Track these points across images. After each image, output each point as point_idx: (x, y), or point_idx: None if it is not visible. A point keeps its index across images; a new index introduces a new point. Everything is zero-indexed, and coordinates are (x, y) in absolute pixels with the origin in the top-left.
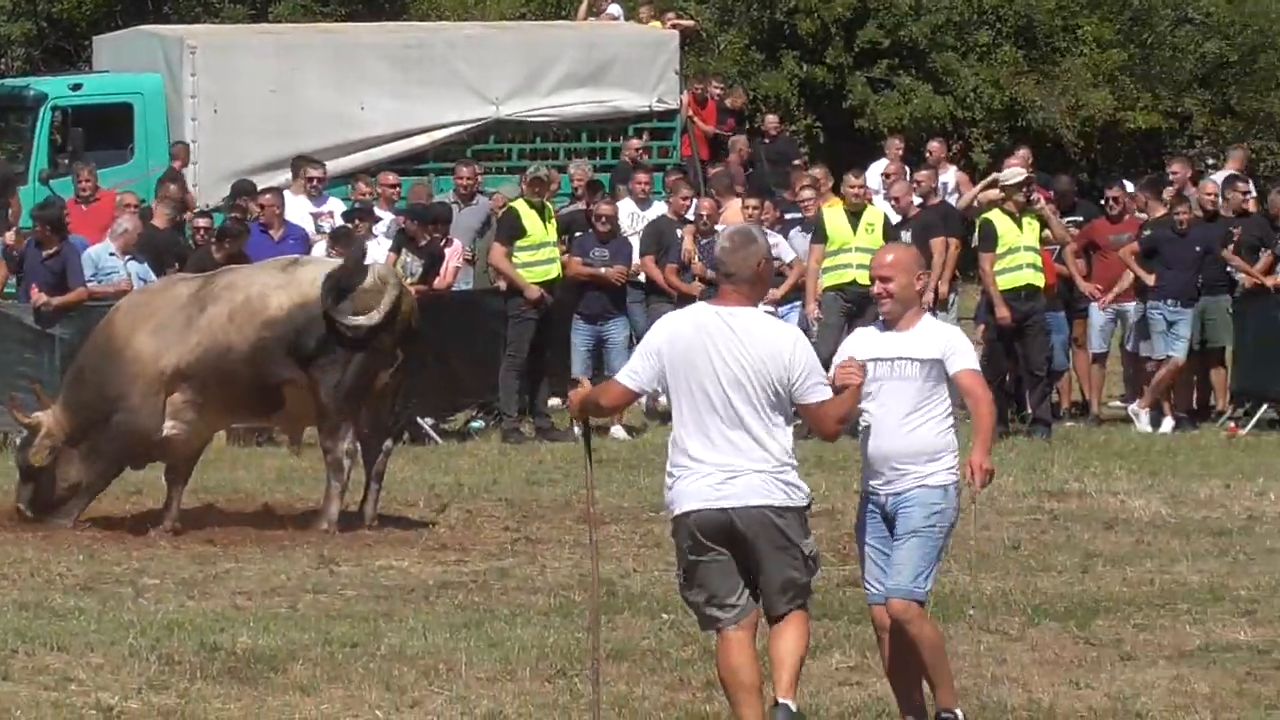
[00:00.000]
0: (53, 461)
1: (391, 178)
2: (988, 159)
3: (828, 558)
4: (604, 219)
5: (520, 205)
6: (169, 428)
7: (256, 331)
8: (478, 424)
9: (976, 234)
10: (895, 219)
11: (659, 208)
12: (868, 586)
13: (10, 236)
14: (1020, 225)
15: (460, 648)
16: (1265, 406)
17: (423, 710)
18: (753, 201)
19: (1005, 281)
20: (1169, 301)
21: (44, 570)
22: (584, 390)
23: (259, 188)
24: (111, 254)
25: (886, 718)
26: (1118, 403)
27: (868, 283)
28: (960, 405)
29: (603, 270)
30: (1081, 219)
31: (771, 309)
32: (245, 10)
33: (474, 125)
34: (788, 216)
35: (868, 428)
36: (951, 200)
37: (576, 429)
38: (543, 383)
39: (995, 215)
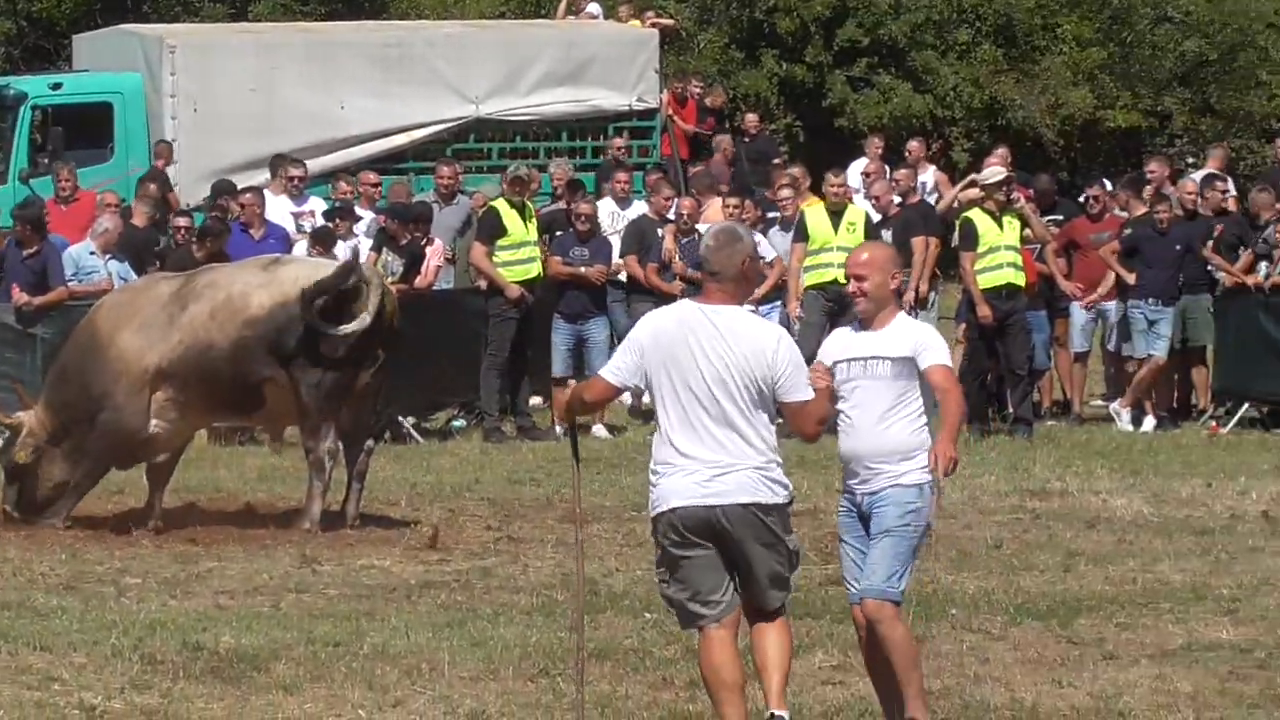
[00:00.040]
0: (37, 461)
1: (373, 177)
2: (968, 158)
3: (810, 557)
4: (584, 218)
5: (501, 204)
6: (152, 426)
7: (238, 330)
8: (459, 423)
9: (957, 233)
10: (876, 218)
11: (639, 207)
12: (847, 586)
13: None
14: (1001, 224)
15: (443, 647)
16: (1246, 405)
17: (406, 710)
18: (733, 200)
19: (986, 280)
20: (1150, 300)
21: (26, 570)
22: (567, 392)
23: (239, 187)
24: (92, 253)
25: (869, 717)
26: (1099, 402)
27: None
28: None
29: (583, 270)
30: (1062, 218)
31: (753, 308)
32: (225, 9)
33: (454, 124)
34: (769, 215)
35: (844, 428)
36: (931, 200)
37: (559, 428)
38: (524, 382)
39: (976, 214)
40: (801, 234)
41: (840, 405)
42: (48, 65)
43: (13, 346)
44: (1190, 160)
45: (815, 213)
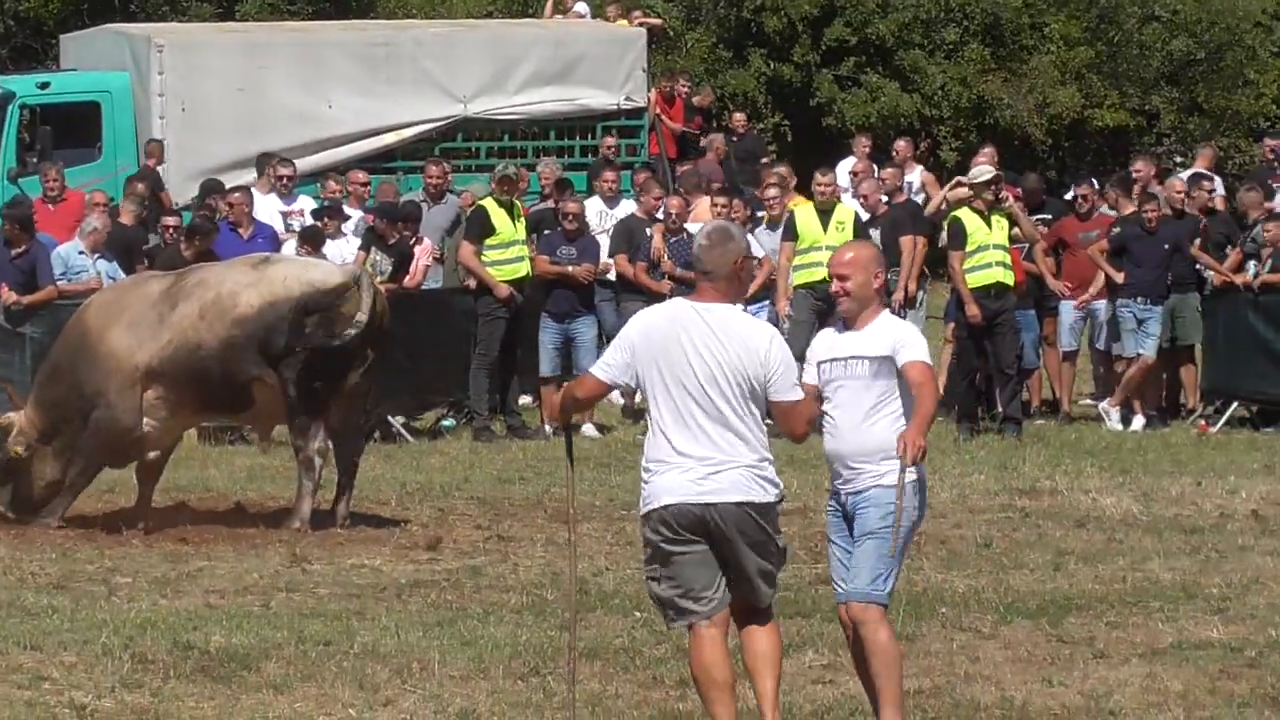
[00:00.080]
0: (29, 461)
1: (362, 176)
2: (956, 157)
3: (800, 555)
4: (571, 217)
5: (489, 204)
6: (143, 425)
7: (227, 329)
8: (449, 422)
9: (945, 232)
10: (865, 217)
11: (627, 206)
12: (834, 585)
13: None
14: (989, 223)
15: (433, 646)
16: (1235, 404)
17: (396, 709)
18: (721, 200)
19: (975, 280)
20: (1139, 299)
21: (16, 569)
22: (560, 394)
23: (227, 186)
24: (81, 252)
25: (860, 715)
26: (1088, 401)
27: None
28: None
29: (569, 269)
30: (1050, 217)
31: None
32: (212, 9)
33: (442, 123)
34: (759, 214)
35: (828, 428)
36: (918, 200)
37: (549, 427)
38: (513, 381)
39: (964, 213)
40: (791, 233)
41: (825, 406)
42: (35, 65)
43: (2, 346)
44: (1179, 159)
45: (804, 212)
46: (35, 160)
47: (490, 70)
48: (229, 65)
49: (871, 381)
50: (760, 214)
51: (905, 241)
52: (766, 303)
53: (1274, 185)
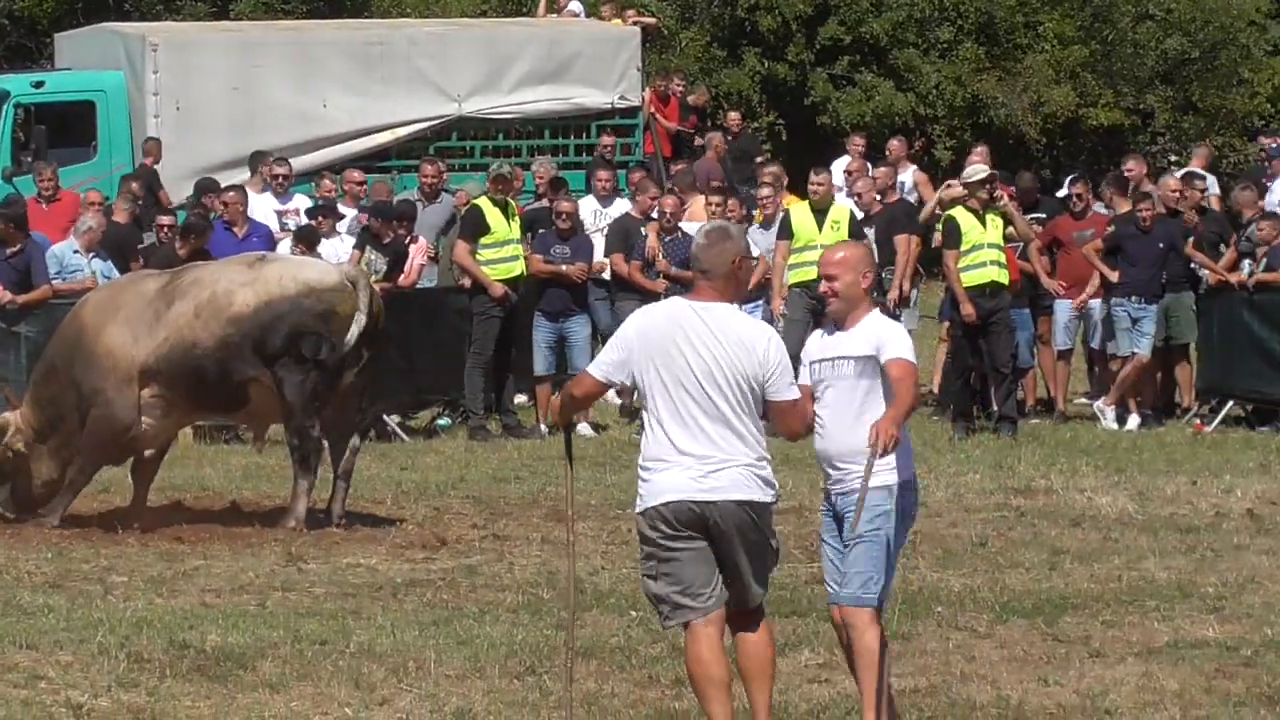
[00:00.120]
0: (26, 459)
1: (357, 175)
2: (950, 156)
3: (795, 555)
4: (564, 216)
5: (484, 203)
6: (141, 423)
7: (222, 328)
8: (444, 421)
9: (940, 231)
10: (859, 216)
11: (621, 204)
12: (827, 586)
13: None
14: (984, 222)
15: (429, 645)
16: (1230, 403)
17: (392, 708)
18: (715, 199)
19: (969, 279)
20: (1133, 298)
21: (12, 568)
22: (557, 396)
23: (222, 185)
24: (76, 251)
25: (854, 715)
26: (1083, 400)
27: None
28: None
29: (563, 268)
30: (1045, 216)
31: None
32: (206, 8)
33: (436, 122)
34: (754, 213)
35: (818, 428)
36: (911, 199)
37: (544, 426)
38: (508, 380)
39: (959, 212)
40: (786, 232)
41: (815, 406)
42: (30, 64)
43: None
44: (1174, 159)
45: (800, 211)
46: (30, 159)
47: (485, 69)
48: (224, 64)
49: (857, 382)
50: (755, 212)
51: (900, 240)
52: (761, 302)
53: (1268, 184)
